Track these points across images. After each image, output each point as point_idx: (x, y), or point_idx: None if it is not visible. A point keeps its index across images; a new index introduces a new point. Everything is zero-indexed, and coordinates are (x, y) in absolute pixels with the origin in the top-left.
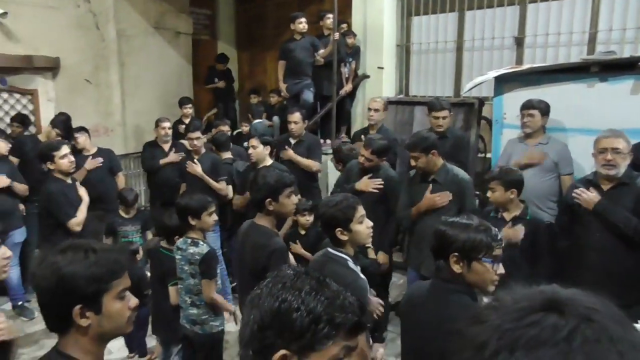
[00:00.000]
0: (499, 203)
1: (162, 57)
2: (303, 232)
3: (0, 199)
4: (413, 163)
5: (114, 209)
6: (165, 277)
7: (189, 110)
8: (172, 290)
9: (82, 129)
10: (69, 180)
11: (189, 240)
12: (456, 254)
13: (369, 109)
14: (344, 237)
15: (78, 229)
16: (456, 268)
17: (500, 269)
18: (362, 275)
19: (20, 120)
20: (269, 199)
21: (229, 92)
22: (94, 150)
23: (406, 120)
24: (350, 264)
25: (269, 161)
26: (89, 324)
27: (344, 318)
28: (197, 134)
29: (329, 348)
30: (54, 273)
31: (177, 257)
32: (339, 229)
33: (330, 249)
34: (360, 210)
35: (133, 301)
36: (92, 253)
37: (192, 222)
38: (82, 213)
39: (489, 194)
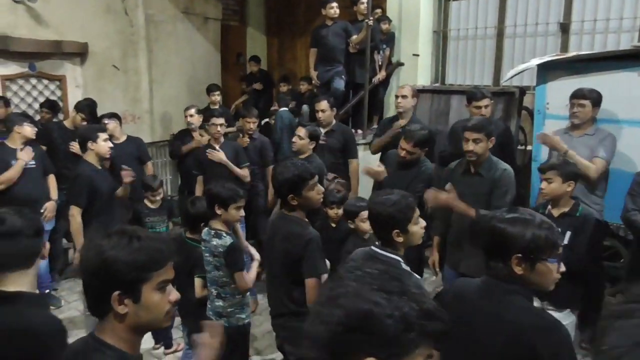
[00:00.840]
0: (555, 195)
1: (191, 43)
2: (334, 225)
3: (31, 186)
4: (470, 147)
5: (140, 198)
6: (192, 269)
7: (216, 97)
8: (197, 282)
9: (114, 116)
10: (99, 167)
11: (212, 232)
12: (519, 255)
13: (396, 97)
14: (400, 239)
15: (74, 219)
16: (518, 270)
17: (562, 268)
18: (416, 275)
19: (50, 106)
20: (291, 195)
21: (266, 89)
22: (123, 138)
23: (442, 110)
24: (403, 265)
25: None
26: (126, 312)
27: (434, 326)
28: (221, 120)
29: (415, 356)
30: (97, 256)
31: (203, 248)
32: (396, 230)
33: (376, 249)
34: (417, 211)
35: (174, 295)
36: (137, 240)
37: (218, 212)
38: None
39: (543, 185)
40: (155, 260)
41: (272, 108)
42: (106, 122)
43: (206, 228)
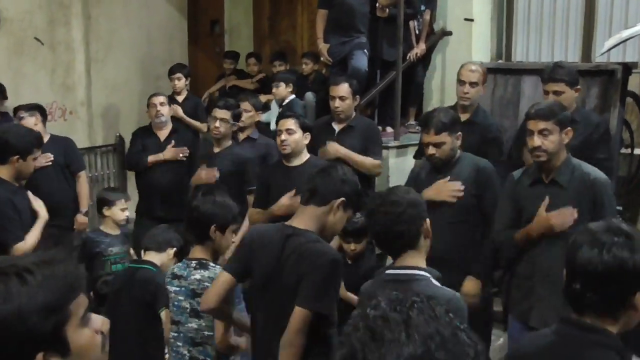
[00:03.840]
0: None
1: (146, 8)
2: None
3: None
4: (536, 142)
5: (70, 225)
6: (152, 307)
7: (180, 82)
8: (165, 316)
9: (35, 108)
10: (16, 184)
11: (194, 263)
12: None
13: (461, 82)
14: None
15: None
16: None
17: None
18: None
19: None
20: (342, 199)
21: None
22: (45, 138)
23: (509, 97)
24: (433, 280)
25: (305, 156)
26: None
27: None
28: (222, 112)
29: None
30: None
31: (173, 288)
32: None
33: (391, 270)
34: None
35: (98, 321)
36: (29, 274)
37: (213, 235)
38: (34, 235)
39: None
40: (71, 287)
41: (269, 97)
42: (22, 116)
43: (180, 262)
